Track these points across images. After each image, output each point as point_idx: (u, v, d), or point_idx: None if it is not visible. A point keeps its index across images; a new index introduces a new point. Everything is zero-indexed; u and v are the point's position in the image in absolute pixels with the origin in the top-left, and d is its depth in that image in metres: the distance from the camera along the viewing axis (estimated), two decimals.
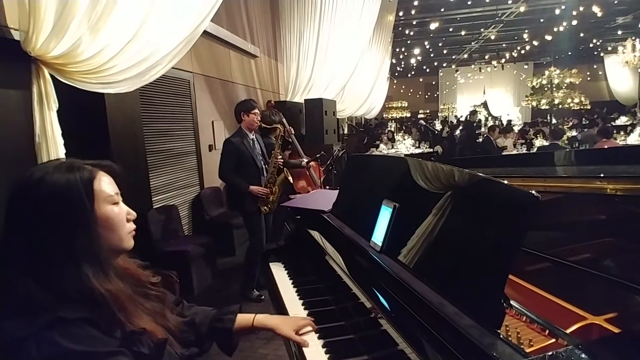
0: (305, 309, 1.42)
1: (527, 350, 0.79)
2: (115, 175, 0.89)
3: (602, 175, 1.36)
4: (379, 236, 1.29)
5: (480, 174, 0.99)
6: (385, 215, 1.29)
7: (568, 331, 0.89)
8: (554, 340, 0.84)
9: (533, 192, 0.78)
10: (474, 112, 10.79)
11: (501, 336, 0.78)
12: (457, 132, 10.98)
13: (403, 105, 18.22)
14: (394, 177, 1.38)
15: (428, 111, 19.94)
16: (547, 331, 0.87)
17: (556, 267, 1.26)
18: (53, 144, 1.99)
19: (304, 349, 1.17)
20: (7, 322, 0.70)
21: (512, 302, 0.90)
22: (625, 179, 1.28)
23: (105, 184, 0.84)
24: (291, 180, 3.55)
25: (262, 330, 1.16)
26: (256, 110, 3.29)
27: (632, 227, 1.27)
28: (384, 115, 17.33)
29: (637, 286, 1.03)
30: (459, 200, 1.04)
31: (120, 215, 0.86)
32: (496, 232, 0.86)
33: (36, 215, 0.76)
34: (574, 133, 9.05)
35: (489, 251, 0.87)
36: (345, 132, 9.60)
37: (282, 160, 3.42)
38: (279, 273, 1.77)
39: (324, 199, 2.02)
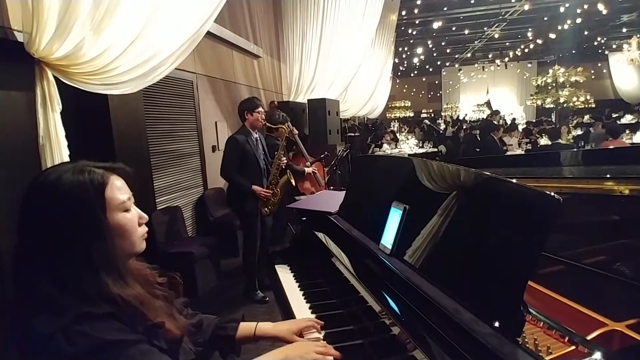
0: (312, 312, 1.39)
1: (547, 359, 0.76)
2: (128, 178, 0.88)
3: (615, 176, 1.33)
4: (388, 239, 1.26)
5: (501, 176, 0.95)
6: (395, 217, 1.26)
7: (588, 338, 0.85)
8: (574, 347, 0.81)
9: (554, 194, 0.75)
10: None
11: (521, 345, 0.75)
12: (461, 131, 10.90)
13: (406, 104, 18.17)
14: (404, 179, 1.35)
15: (431, 110, 19.85)
16: (566, 338, 0.83)
17: (570, 270, 1.22)
18: (57, 146, 1.98)
19: None
20: (34, 319, 0.71)
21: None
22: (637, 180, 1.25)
23: (118, 190, 0.83)
24: (294, 183, 3.50)
25: (264, 339, 1.18)
26: (260, 109, 3.22)
27: None
28: (387, 115, 17.28)
29: None
30: (476, 203, 1.00)
31: (132, 221, 0.86)
32: (517, 237, 0.83)
33: (50, 223, 0.75)
34: (578, 132, 8.96)
35: (509, 256, 0.83)
36: (353, 133, 9.51)
37: (285, 162, 3.38)
38: (285, 275, 1.74)
39: (330, 200, 2.00)
